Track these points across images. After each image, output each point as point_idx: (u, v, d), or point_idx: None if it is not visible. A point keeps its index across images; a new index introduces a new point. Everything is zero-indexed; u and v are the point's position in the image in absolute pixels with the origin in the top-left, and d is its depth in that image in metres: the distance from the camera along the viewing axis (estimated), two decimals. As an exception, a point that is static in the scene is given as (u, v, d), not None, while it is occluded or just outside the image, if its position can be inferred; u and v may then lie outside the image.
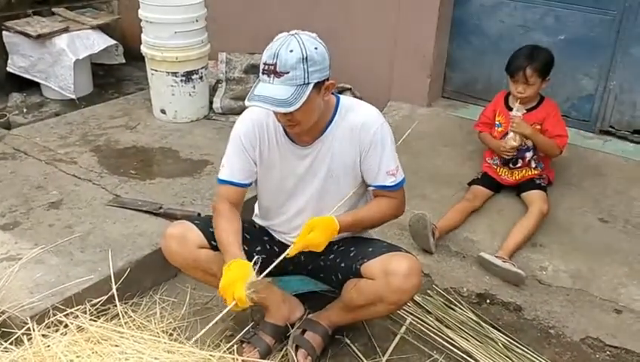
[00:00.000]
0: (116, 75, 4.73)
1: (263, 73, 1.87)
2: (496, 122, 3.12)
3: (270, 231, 2.30)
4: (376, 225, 2.20)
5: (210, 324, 1.95)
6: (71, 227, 2.70)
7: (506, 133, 3.02)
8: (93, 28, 4.26)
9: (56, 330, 2.14)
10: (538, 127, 2.99)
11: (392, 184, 2.09)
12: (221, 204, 2.11)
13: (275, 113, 1.95)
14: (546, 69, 2.93)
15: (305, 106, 1.86)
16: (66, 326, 2.15)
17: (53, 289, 2.29)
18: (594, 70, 3.51)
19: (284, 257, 1.99)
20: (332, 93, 2.06)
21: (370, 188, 2.18)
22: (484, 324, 2.41)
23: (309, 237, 1.98)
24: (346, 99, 2.11)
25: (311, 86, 1.86)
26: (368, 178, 2.12)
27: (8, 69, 4.25)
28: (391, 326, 2.40)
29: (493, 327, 2.41)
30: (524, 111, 2.99)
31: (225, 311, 1.92)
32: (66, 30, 4.12)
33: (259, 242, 2.24)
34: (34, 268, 2.42)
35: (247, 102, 1.89)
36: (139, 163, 3.33)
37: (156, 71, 3.76)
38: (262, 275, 1.94)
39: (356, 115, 2.06)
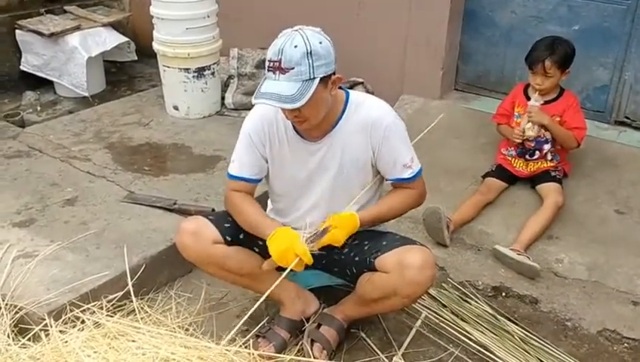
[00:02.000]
0: (128, 73, 4.74)
1: (269, 70, 1.87)
2: (516, 113, 3.10)
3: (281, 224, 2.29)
4: (398, 215, 2.20)
5: (263, 297, 1.98)
6: (86, 223, 2.72)
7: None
8: (104, 25, 4.27)
9: (74, 326, 2.16)
10: (557, 119, 2.97)
11: (410, 176, 2.09)
12: (234, 193, 2.13)
13: (283, 110, 1.95)
14: (566, 61, 2.90)
15: (312, 102, 1.86)
16: (83, 322, 2.17)
17: (70, 286, 2.31)
18: (608, 61, 3.47)
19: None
20: (341, 88, 2.05)
21: (388, 182, 2.16)
22: (500, 317, 2.39)
23: (329, 234, 1.98)
24: (355, 94, 2.10)
25: (317, 81, 1.85)
26: (385, 172, 2.12)
27: (22, 67, 4.28)
28: (406, 320, 2.40)
29: (509, 320, 2.40)
30: (542, 102, 2.96)
31: (288, 269, 1.96)
32: (78, 28, 4.13)
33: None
34: (50, 264, 2.44)
35: (254, 100, 1.89)
36: (152, 159, 3.34)
37: (168, 67, 3.77)
38: (287, 271, 1.95)
39: (366, 110, 2.05)
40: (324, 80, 1.88)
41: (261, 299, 2.01)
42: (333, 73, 1.92)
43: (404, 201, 2.14)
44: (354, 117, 2.05)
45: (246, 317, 1.92)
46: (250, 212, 2.10)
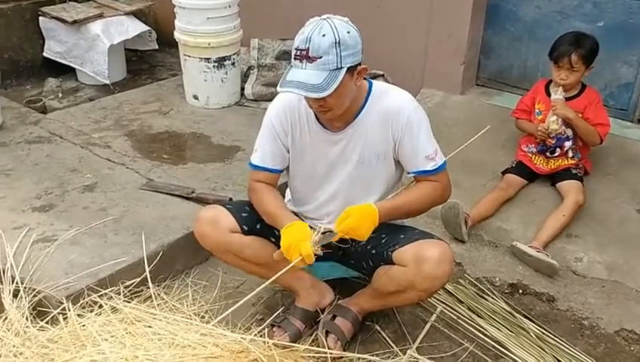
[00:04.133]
0: (149, 61, 4.77)
1: (295, 58, 1.86)
2: (536, 110, 3.06)
3: (301, 217, 2.29)
4: (421, 210, 2.12)
5: (267, 283, 1.98)
6: (105, 210, 2.74)
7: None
8: (127, 14, 4.30)
9: (91, 311, 2.18)
10: (580, 115, 2.93)
11: (433, 168, 2.04)
12: (257, 183, 2.13)
13: (307, 99, 1.94)
14: (591, 56, 2.87)
15: (337, 91, 1.84)
16: (101, 306, 2.19)
17: (88, 271, 2.33)
18: (633, 58, 3.42)
19: (330, 243, 1.98)
20: (364, 79, 2.04)
21: (411, 175, 2.12)
22: (516, 314, 2.37)
23: (346, 222, 1.94)
24: (378, 84, 2.09)
25: (344, 71, 1.84)
26: (407, 165, 2.08)
27: (45, 54, 4.32)
28: (421, 314, 2.39)
29: (526, 317, 2.38)
30: (564, 94, 2.93)
31: (289, 266, 1.94)
32: (100, 16, 4.16)
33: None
34: (69, 249, 2.47)
35: (279, 88, 1.88)
36: (171, 148, 3.36)
37: (189, 57, 3.78)
38: (288, 266, 1.94)
39: (389, 101, 2.04)
40: (351, 70, 1.87)
41: (264, 284, 1.97)
42: (359, 63, 1.91)
43: (426, 194, 2.07)
44: (376, 107, 2.03)
45: (246, 296, 1.92)
46: (271, 202, 2.10)
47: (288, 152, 2.14)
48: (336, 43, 1.81)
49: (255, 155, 2.14)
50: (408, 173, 2.11)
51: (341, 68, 1.84)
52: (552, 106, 2.92)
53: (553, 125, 2.92)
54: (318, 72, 1.82)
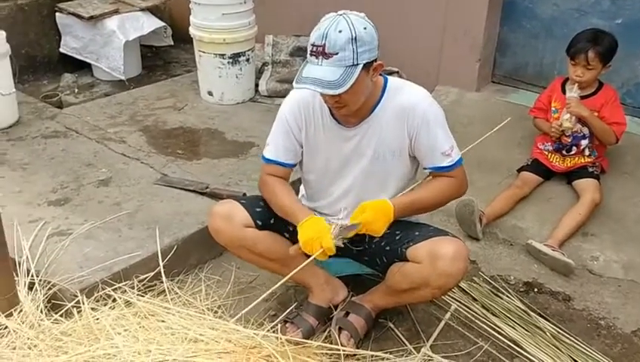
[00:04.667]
0: (164, 58, 4.78)
1: (311, 54, 1.85)
2: (553, 108, 3.03)
3: (315, 213, 2.28)
4: (436, 206, 2.12)
5: (285, 279, 2.00)
6: (119, 204, 2.75)
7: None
8: (142, 10, 4.30)
9: (105, 304, 2.19)
10: (595, 114, 2.90)
11: (449, 164, 2.03)
12: (269, 177, 2.12)
13: (323, 95, 1.93)
14: (609, 54, 2.83)
15: (353, 88, 1.83)
16: (114, 300, 2.20)
17: (102, 264, 2.34)
18: (651, 56, 3.38)
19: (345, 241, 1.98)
20: (380, 74, 2.03)
21: (427, 171, 2.11)
22: (531, 313, 2.35)
23: (361, 217, 1.95)
24: (394, 80, 2.08)
25: (360, 67, 1.83)
26: (423, 161, 2.07)
27: (61, 49, 4.34)
28: (435, 312, 2.37)
29: (541, 316, 2.36)
30: (580, 93, 2.90)
31: (311, 258, 1.95)
32: (116, 12, 4.17)
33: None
34: (83, 242, 2.48)
35: (295, 85, 1.87)
36: (186, 143, 3.36)
37: (204, 53, 3.78)
38: (309, 259, 1.94)
39: (404, 96, 2.02)
40: (367, 66, 1.86)
41: (282, 281, 2.00)
42: (376, 59, 1.90)
43: (442, 190, 2.07)
44: (391, 103, 2.02)
45: (264, 294, 1.91)
46: (285, 196, 2.09)
47: (301, 147, 2.13)
48: (352, 39, 1.80)
49: (268, 149, 2.14)
50: (424, 168, 2.10)
51: (357, 64, 1.83)
52: (567, 104, 2.89)
53: (567, 123, 2.89)
54: (334, 69, 1.81)
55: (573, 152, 2.99)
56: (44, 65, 4.40)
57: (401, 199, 2.04)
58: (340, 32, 1.80)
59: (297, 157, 2.16)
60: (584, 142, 2.96)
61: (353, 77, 1.82)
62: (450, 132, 2.05)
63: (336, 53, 1.81)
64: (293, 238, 2.20)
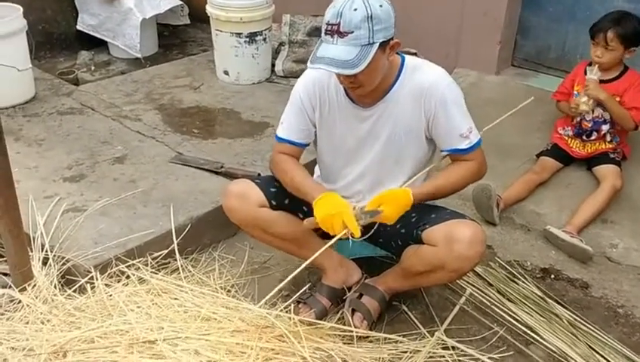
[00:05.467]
0: (181, 37, 4.75)
1: (326, 33, 1.81)
2: (575, 92, 2.96)
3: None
4: (456, 191, 2.08)
5: (306, 263, 1.93)
6: (134, 182, 2.74)
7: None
8: (159, -12, 4.27)
9: (118, 281, 2.20)
10: (617, 99, 2.83)
11: (467, 147, 1.99)
12: (281, 155, 2.10)
13: (338, 75, 1.90)
14: (631, 37, 2.75)
15: (369, 67, 1.80)
16: (128, 277, 2.21)
17: (116, 241, 2.34)
18: (679, 40, 3.28)
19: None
20: (397, 54, 1.98)
21: (444, 153, 2.08)
22: (548, 300, 2.32)
23: (381, 207, 1.92)
24: (411, 60, 2.03)
25: (376, 46, 1.79)
26: (440, 143, 2.04)
27: (78, 27, 4.33)
28: (450, 296, 2.35)
29: (558, 303, 2.32)
30: (599, 75, 2.83)
31: (336, 238, 1.89)
32: (133, -11, 4.14)
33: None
34: (98, 219, 2.48)
35: (309, 65, 1.84)
36: (201, 122, 3.35)
37: (220, 31, 3.75)
38: (334, 239, 1.91)
39: (422, 76, 1.98)
40: (383, 45, 1.82)
41: (303, 265, 1.99)
42: (392, 38, 1.85)
43: (462, 175, 2.03)
44: (408, 83, 1.98)
45: (288, 279, 1.88)
46: (297, 173, 2.06)
47: (315, 127, 2.10)
48: (368, 17, 1.76)
49: (281, 128, 2.11)
50: (442, 151, 2.06)
51: (373, 43, 1.79)
52: (585, 86, 2.83)
53: (583, 106, 2.82)
54: (349, 48, 1.78)
55: (593, 138, 2.93)
56: (61, 42, 4.40)
57: (420, 189, 2.00)
58: (355, 10, 1.76)
59: (310, 137, 2.12)
60: (605, 128, 2.89)
61: (369, 56, 1.78)
62: (468, 113, 2.00)
63: (352, 32, 1.77)
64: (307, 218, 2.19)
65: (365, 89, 1.91)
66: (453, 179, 2.03)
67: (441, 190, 2.04)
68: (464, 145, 1.99)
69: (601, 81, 2.85)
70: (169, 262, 2.36)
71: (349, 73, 1.79)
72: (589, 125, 2.91)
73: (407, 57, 2.03)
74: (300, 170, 2.08)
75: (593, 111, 2.86)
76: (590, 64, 2.94)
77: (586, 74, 2.94)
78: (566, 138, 3.01)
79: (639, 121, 2.84)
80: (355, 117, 2.05)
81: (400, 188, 2.01)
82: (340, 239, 1.95)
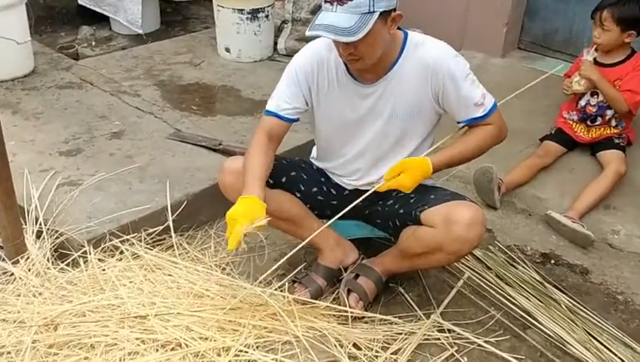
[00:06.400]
0: (183, 13, 4.70)
1: (326, 1, 1.77)
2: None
3: (328, 173, 2.23)
4: (476, 156, 2.04)
5: (303, 244, 1.98)
6: (131, 157, 2.71)
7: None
8: (162, -37, 4.22)
9: (112, 255, 2.18)
10: (620, 83, 2.78)
11: (483, 113, 1.95)
12: (260, 134, 2.01)
13: (338, 47, 1.85)
14: (629, 20, 2.68)
15: (369, 38, 1.75)
16: (122, 252, 2.18)
17: (111, 216, 2.31)
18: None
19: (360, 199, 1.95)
20: (399, 29, 1.93)
21: (461, 125, 2.02)
22: (547, 285, 2.28)
23: (398, 178, 1.90)
24: (414, 35, 1.98)
25: (376, 15, 1.75)
26: (455, 115, 1.98)
27: (79, 1, 4.27)
28: (448, 279, 2.32)
29: (557, 289, 2.29)
30: (595, 55, 2.79)
31: (329, 222, 1.94)
32: (135, -36, 4.08)
33: (315, 183, 2.18)
34: (93, 193, 2.45)
35: (307, 32, 1.80)
36: (200, 99, 3.31)
37: (222, 7, 3.70)
38: (335, 218, 1.91)
39: (426, 52, 1.93)
40: (384, 15, 1.77)
41: (300, 245, 1.97)
42: (394, 9, 1.81)
43: (482, 139, 1.98)
44: (412, 59, 1.93)
45: (286, 258, 1.86)
46: (254, 161, 1.95)
47: (307, 104, 2.05)
48: None
49: (270, 102, 2.05)
50: (458, 122, 2.01)
51: (374, 12, 1.74)
52: (580, 66, 2.78)
53: (576, 85, 2.79)
54: (348, 15, 1.74)
55: (598, 123, 2.88)
56: (62, 16, 4.36)
57: (439, 157, 1.96)
58: None
59: (298, 113, 2.04)
60: (609, 113, 2.84)
61: (369, 25, 1.74)
62: (477, 80, 1.96)
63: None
64: (304, 198, 2.16)
65: (366, 62, 1.86)
66: (472, 145, 1.99)
67: (462, 154, 1.99)
68: (480, 112, 1.95)
69: (605, 65, 2.81)
70: (164, 239, 2.33)
71: (347, 40, 1.74)
72: (594, 110, 2.86)
73: (411, 33, 1.98)
74: (257, 157, 1.96)
75: (595, 96, 2.81)
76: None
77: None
78: (570, 122, 2.96)
79: (632, 104, 2.77)
80: (355, 93, 2.00)
81: (419, 157, 1.97)
82: (339, 219, 1.92)
